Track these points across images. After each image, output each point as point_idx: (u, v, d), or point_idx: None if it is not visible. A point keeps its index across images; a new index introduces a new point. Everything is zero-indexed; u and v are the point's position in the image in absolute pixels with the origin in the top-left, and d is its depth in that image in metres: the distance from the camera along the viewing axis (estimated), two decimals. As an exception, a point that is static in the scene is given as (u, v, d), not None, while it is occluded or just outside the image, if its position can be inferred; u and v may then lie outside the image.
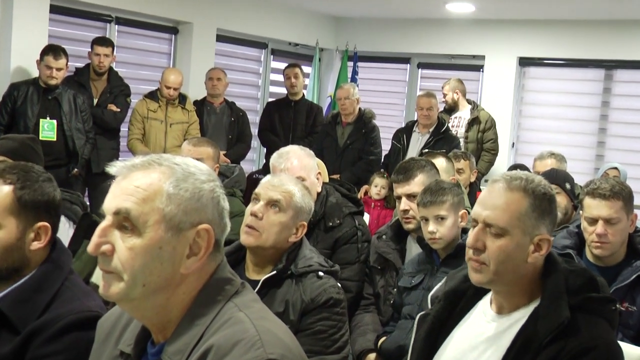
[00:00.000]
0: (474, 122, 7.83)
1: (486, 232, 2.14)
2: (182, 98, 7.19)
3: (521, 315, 2.14)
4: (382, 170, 7.22)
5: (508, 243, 2.11)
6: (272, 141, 7.69)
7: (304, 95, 8.34)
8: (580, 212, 3.46)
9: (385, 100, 9.96)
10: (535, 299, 2.15)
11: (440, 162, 4.58)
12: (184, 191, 1.55)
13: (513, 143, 9.13)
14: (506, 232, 2.11)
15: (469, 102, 8.12)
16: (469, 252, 2.17)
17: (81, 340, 1.99)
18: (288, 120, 7.95)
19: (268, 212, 2.87)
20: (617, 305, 2.18)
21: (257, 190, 2.95)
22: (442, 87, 8.20)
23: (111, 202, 1.55)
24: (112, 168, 1.59)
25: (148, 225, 1.53)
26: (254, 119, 8.86)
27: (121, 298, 1.58)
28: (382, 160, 7.60)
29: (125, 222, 1.54)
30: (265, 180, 2.99)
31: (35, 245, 2.17)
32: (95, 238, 1.55)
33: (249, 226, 2.87)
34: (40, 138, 5.93)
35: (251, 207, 2.92)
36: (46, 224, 2.16)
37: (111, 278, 1.56)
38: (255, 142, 8.56)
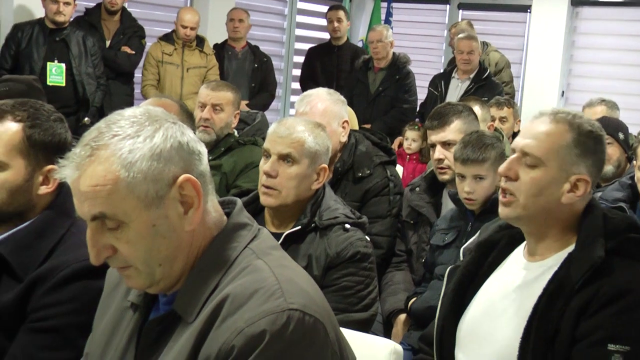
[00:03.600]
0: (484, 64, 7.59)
1: (521, 161, 2.15)
2: (200, 41, 7.17)
3: (554, 262, 2.15)
4: (416, 120, 7.19)
5: (542, 175, 2.12)
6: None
7: (348, 39, 8.30)
8: (634, 162, 3.42)
9: (421, 45, 9.89)
10: (569, 245, 2.15)
11: (475, 108, 4.53)
12: (138, 164, 1.52)
13: (563, 91, 9.04)
14: (541, 162, 2.13)
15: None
16: (501, 182, 2.18)
17: (88, 289, 2.03)
18: (330, 68, 7.96)
19: (281, 167, 2.85)
20: None
21: (265, 145, 2.92)
22: (450, 30, 8.05)
23: (83, 210, 1.55)
24: (61, 174, 1.56)
25: (128, 214, 1.53)
26: (279, 65, 8.83)
27: (149, 285, 1.61)
28: (417, 109, 7.56)
29: (108, 222, 1.54)
30: (272, 131, 2.93)
31: (43, 189, 2.19)
32: (91, 249, 1.57)
33: (265, 186, 2.86)
34: (48, 83, 5.98)
35: (263, 165, 2.90)
36: (56, 167, 2.18)
37: (129, 272, 1.60)
38: (279, 91, 8.54)
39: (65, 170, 1.55)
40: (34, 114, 2.19)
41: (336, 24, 7.98)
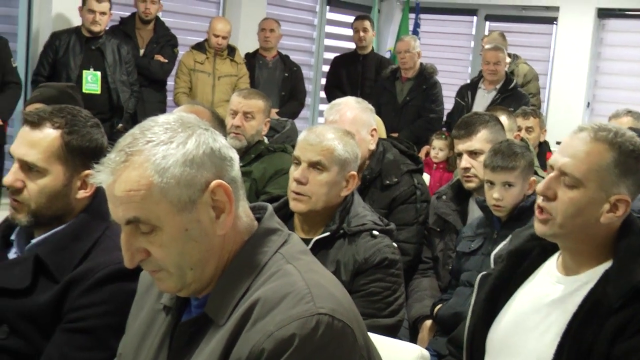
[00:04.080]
0: (511, 75, 7.55)
1: (560, 180, 2.08)
2: (231, 50, 7.21)
3: (590, 278, 2.09)
4: (443, 129, 7.17)
5: (581, 196, 2.05)
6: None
7: (373, 49, 8.32)
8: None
9: (448, 56, 9.87)
10: (606, 261, 2.10)
11: (502, 118, 4.50)
12: (171, 170, 1.52)
13: (588, 103, 8.97)
14: (581, 183, 2.05)
15: (509, 55, 7.96)
16: (538, 199, 2.12)
17: (122, 292, 2.03)
18: (355, 76, 7.96)
19: (311, 174, 2.86)
20: None
21: (295, 152, 2.93)
22: (482, 40, 8.01)
23: (117, 214, 1.56)
24: (96, 179, 1.58)
25: (161, 218, 1.54)
26: (308, 74, 8.84)
27: (180, 288, 1.62)
28: (444, 118, 7.55)
29: (141, 226, 1.55)
30: (302, 138, 2.93)
31: (81, 194, 2.21)
32: (125, 253, 1.58)
33: (295, 192, 2.87)
34: (83, 91, 6.01)
35: (293, 172, 2.91)
36: (93, 172, 2.19)
37: (161, 276, 1.60)
38: (308, 99, 8.55)
39: (101, 175, 1.56)
40: (72, 121, 2.20)
41: (362, 34, 7.98)
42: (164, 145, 1.54)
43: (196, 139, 1.56)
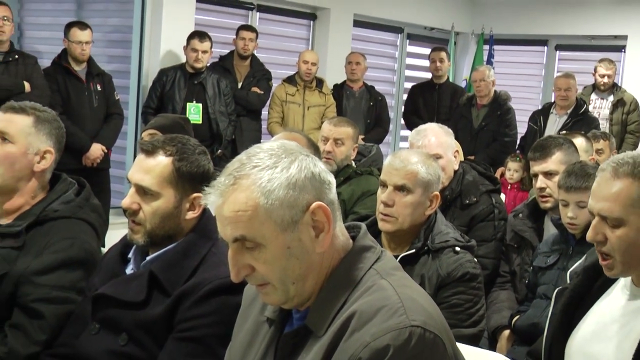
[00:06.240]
0: (618, 103, 7.53)
1: (603, 223, 2.03)
2: (319, 82, 7.26)
3: None
4: (517, 152, 7.08)
5: (627, 232, 2.00)
6: (417, 124, 7.62)
7: (448, 78, 8.28)
8: None
9: (521, 83, 9.72)
10: None
11: (579, 141, 4.42)
12: (276, 192, 1.53)
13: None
14: (622, 221, 2.00)
15: (614, 86, 7.80)
16: (595, 245, 2.08)
17: (228, 304, 2.05)
18: (432, 103, 7.92)
19: (397, 197, 2.86)
20: None
21: (382, 176, 2.93)
22: (599, 66, 7.74)
23: (225, 232, 1.57)
24: (207, 201, 1.59)
25: (266, 237, 1.55)
26: (390, 102, 8.84)
27: (284, 301, 1.63)
28: (518, 142, 7.47)
29: (247, 244, 1.56)
30: (387, 163, 2.94)
31: (190, 215, 2.24)
32: (232, 268, 1.60)
33: (383, 214, 2.87)
34: (187, 121, 6.14)
35: (380, 194, 2.91)
36: (200, 195, 2.21)
37: (267, 289, 1.61)
38: (391, 126, 8.55)
39: (211, 197, 1.58)
40: (182, 149, 2.24)
41: (438, 64, 7.95)
42: (269, 170, 1.55)
43: (298, 164, 1.57)
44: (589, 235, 2.07)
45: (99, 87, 6.02)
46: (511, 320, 3.43)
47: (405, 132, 8.80)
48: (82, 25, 5.94)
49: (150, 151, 2.23)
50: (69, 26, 5.94)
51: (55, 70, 5.91)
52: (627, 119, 7.48)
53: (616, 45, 8.94)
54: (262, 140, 6.82)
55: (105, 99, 6.06)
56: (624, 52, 8.86)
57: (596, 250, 2.09)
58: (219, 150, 6.43)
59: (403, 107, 8.47)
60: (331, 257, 1.62)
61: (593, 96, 7.73)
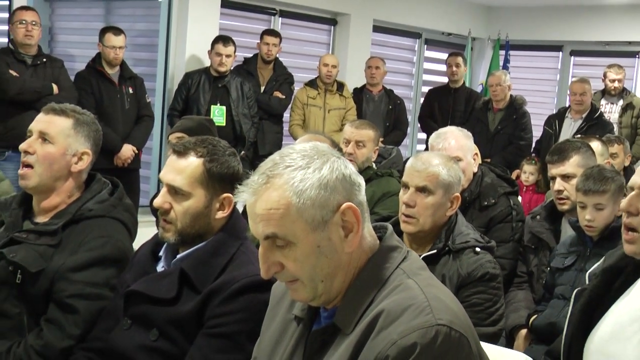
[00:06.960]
0: (627, 107, 7.49)
1: None
2: (340, 86, 7.25)
3: None
4: (532, 155, 7.05)
5: None
6: (432, 127, 7.63)
7: (464, 82, 8.26)
8: None
9: (536, 88, 9.68)
10: None
11: (595, 145, 4.39)
12: (308, 192, 1.53)
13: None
14: None
15: (623, 90, 7.75)
16: (624, 217, 2.06)
17: (256, 302, 2.06)
18: (447, 107, 7.90)
19: (419, 198, 2.84)
20: None
21: (404, 178, 2.92)
22: (609, 71, 7.70)
23: (257, 230, 1.57)
24: (240, 199, 1.60)
25: (297, 235, 1.55)
26: (408, 106, 8.83)
27: (312, 298, 1.62)
28: (533, 145, 7.43)
29: (278, 242, 1.56)
30: (409, 165, 2.93)
31: (220, 214, 2.25)
32: (262, 265, 1.59)
33: (405, 215, 2.86)
34: (211, 124, 6.16)
35: (402, 196, 2.90)
36: (230, 195, 2.22)
37: (296, 286, 1.61)
38: (409, 128, 8.54)
39: (244, 195, 1.58)
40: (212, 150, 2.25)
41: (454, 69, 7.93)
42: (301, 170, 1.55)
43: (330, 165, 1.57)
44: (623, 205, 2.06)
45: (130, 90, 6.07)
46: (528, 320, 3.42)
47: (422, 135, 8.79)
48: (116, 31, 5.99)
49: (182, 152, 2.23)
50: (103, 31, 6.01)
51: (90, 73, 5.97)
52: (637, 122, 7.44)
53: (630, 51, 8.89)
54: (283, 143, 6.84)
55: (136, 101, 6.11)
56: (638, 57, 8.81)
57: (624, 222, 2.07)
58: (242, 152, 6.43)
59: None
60: (359, 256, 1.62)
61: (603, 101, 7.70)
